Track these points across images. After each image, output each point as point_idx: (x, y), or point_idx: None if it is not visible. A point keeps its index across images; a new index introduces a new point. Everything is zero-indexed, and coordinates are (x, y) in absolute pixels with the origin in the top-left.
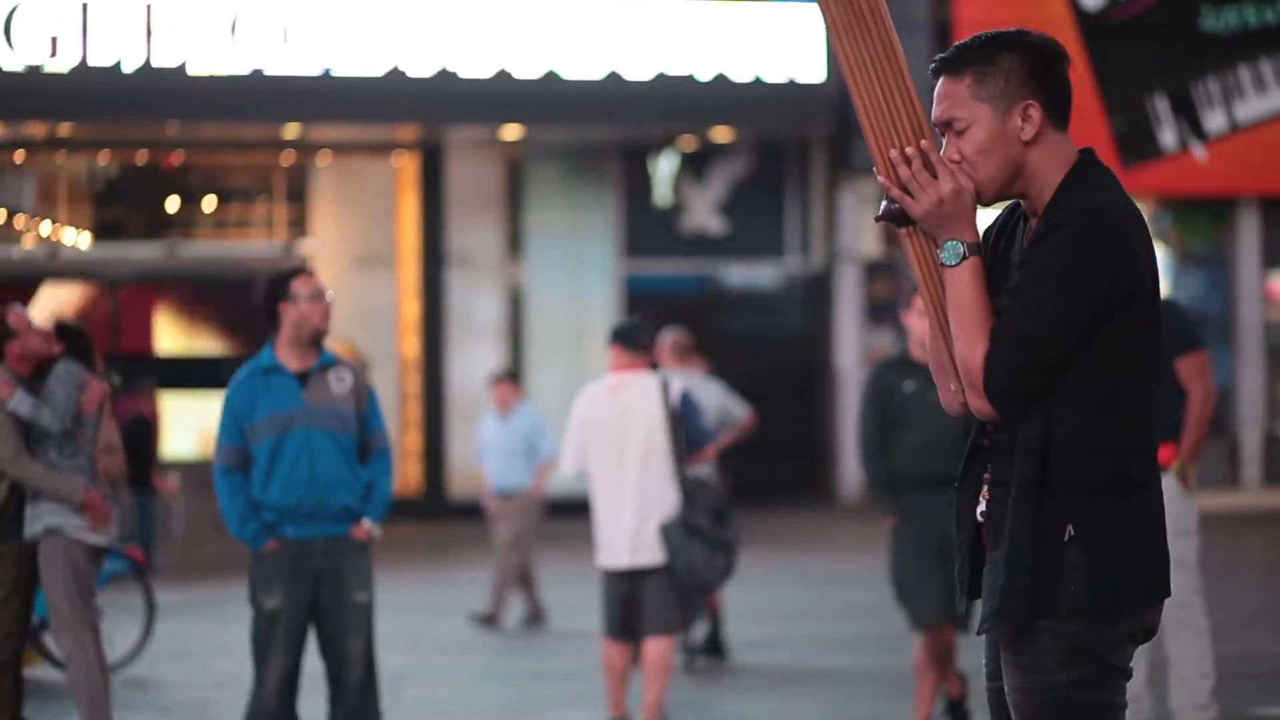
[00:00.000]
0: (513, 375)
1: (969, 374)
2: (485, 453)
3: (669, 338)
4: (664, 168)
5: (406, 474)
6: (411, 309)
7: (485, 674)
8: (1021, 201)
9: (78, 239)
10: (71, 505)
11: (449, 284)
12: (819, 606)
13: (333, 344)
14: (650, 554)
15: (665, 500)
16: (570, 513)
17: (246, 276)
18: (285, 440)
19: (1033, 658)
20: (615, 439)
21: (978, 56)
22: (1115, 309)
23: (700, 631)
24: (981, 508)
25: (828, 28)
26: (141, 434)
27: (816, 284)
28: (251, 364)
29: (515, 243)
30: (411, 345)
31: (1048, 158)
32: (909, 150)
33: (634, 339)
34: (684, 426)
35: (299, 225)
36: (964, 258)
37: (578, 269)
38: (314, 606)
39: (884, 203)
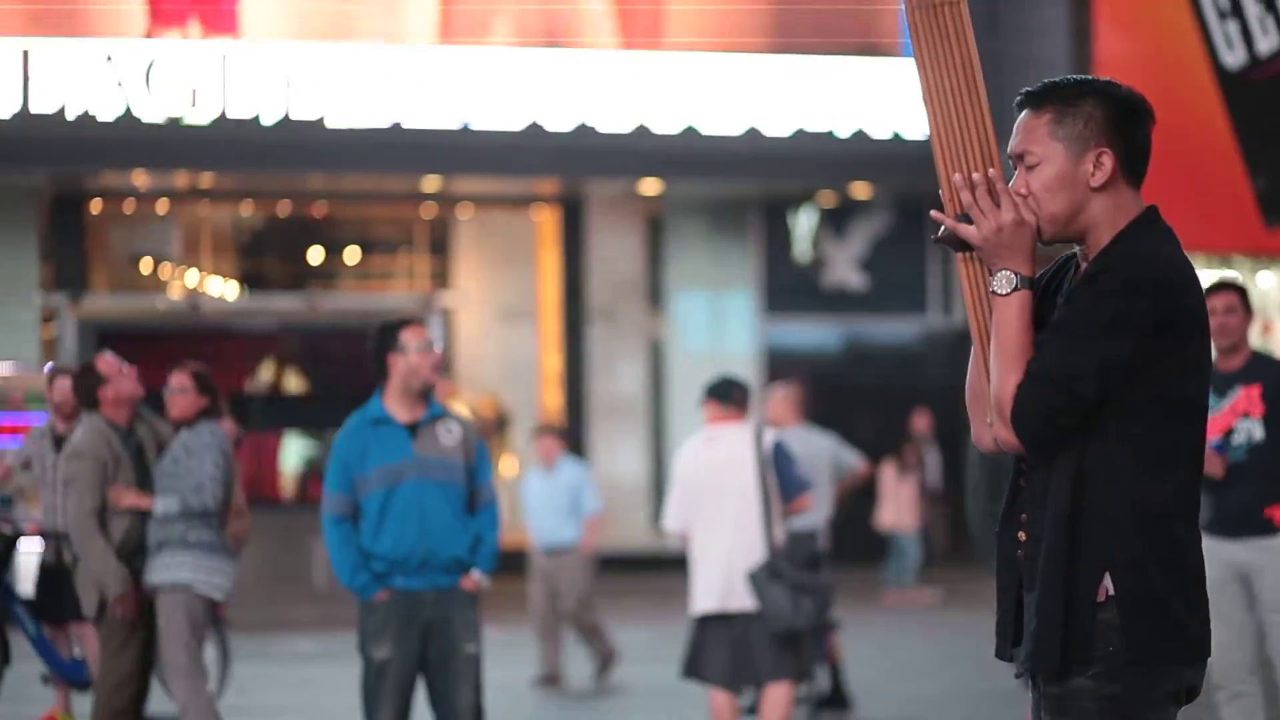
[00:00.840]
0: (556, 429)
1: (999, 404)
2: (530, 509)
3: (779, 393)
4: (804, 223)
5: None
6: (553, 362)
7: None
8: (1077, 249)
9: (223, 290)
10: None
11: (590, 337)
12: (952, 658)
13: (474, 396)
14: (741, 600)
15: (756, 547)
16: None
17: None
18: (396, 492)
19: (1074, 718)
20: (711, 488)
21: (1062, 96)
22: (1156, 360)
23: (822, 682)
24: (1020, 552)
25: (910, 35)
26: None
27: (959, 340)
28: (360, 414)
29: (655, 296)
30: (553, 398)
31: (1112, 208)
32: (975, 176)
33: (727, 394)
34: (777, 475)
35: (441, 277)
36: (1015, 288)
37: (718, 323)
38: (423, 657)
39: (944, 227)
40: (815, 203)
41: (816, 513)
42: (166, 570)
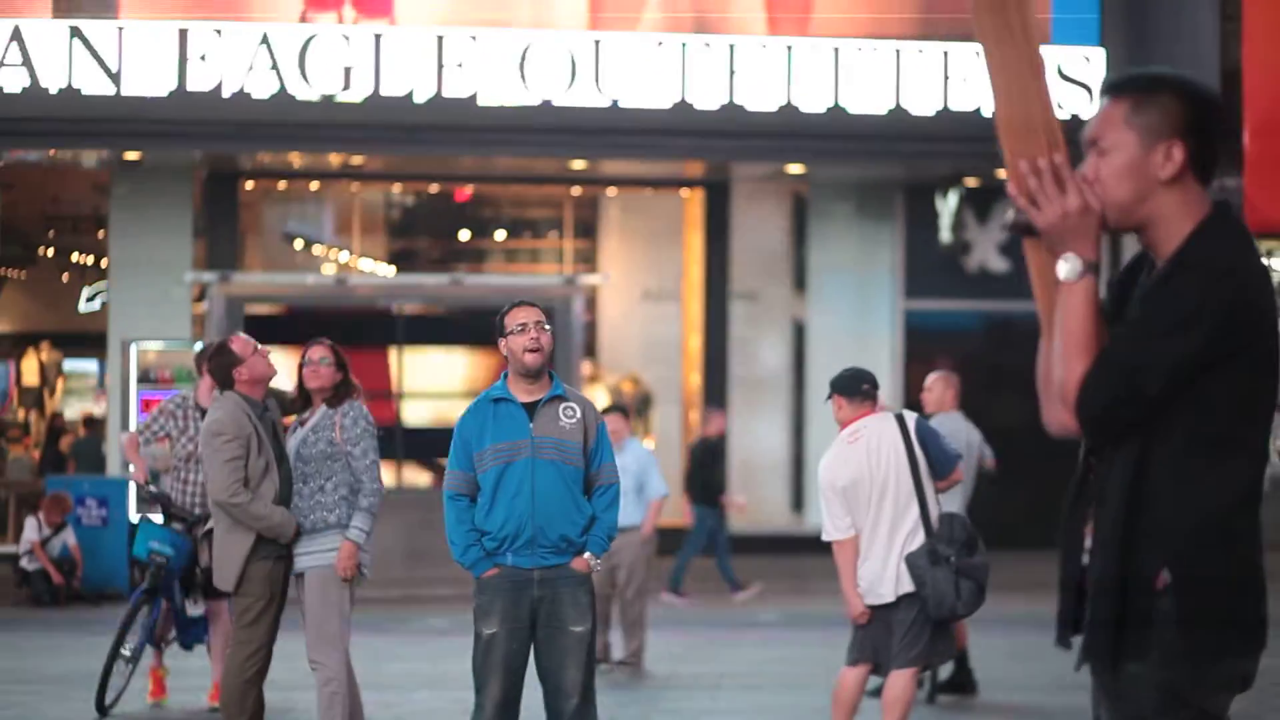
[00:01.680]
0: (622, 409)
1: (1064, 389)
2: None
3: (938, 378)
4: (948, 205)
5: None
6: (696, 343)
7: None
8: (1143, 243)
9: (374, 268)
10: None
11: (733, 318)
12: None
13: (617, 377)
14: (898, 585)
15: (915, 532)
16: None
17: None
18: (509, 470)
19: (1131, 705)
20: (867, 484)
21: (1140, 87)
22: (1228, 360)
23: (946, 667)
24: (1088, 543)
25: (977, 36)
26: None
27: None
28: (484, 394)
29: (799, 277)
30: (696, 379)
31: (1179, 203)
32: (1040, 162)
33: (852, 388)
34: (927, 453)
35: (587, 258)
36: (1080, 275)
37: (860, 304)
38: (533, 635)
39: (1012, 212)
40: (960, 185)
41: (958, 496)
42: (323, 549)
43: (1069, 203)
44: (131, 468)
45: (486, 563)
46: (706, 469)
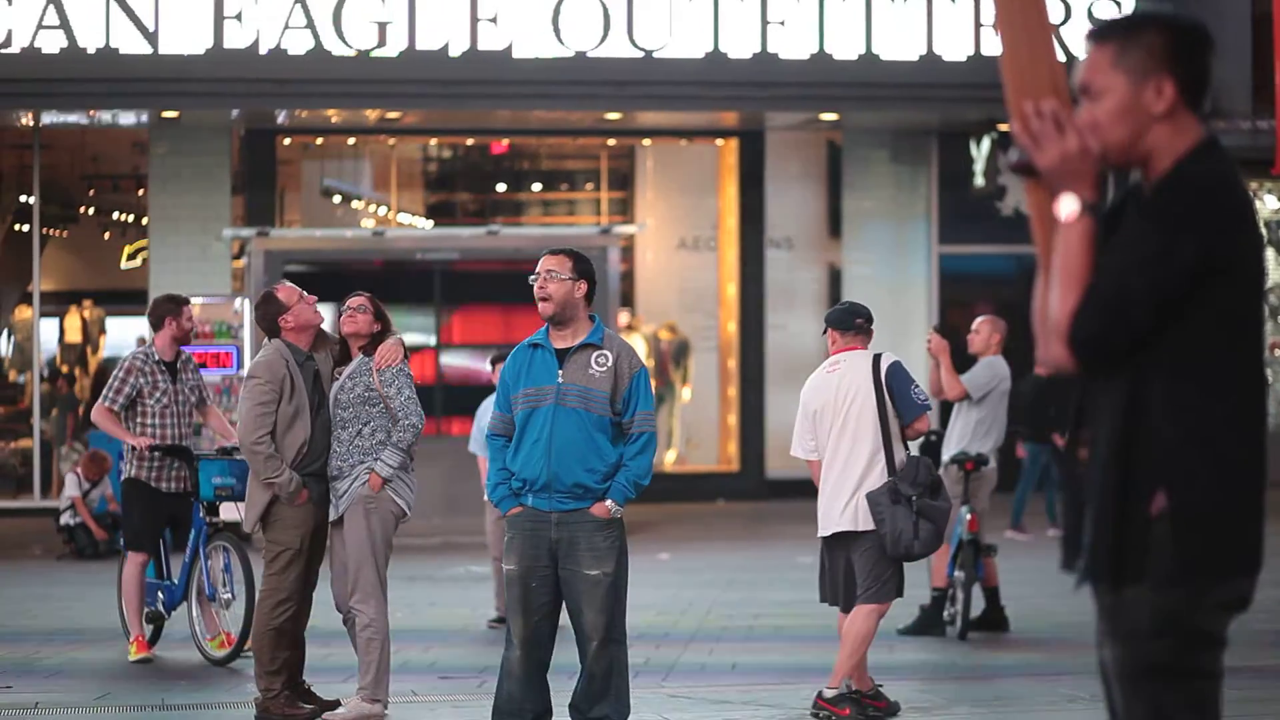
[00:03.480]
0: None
1: (1058, 325)
2: None
3: (982, 323)
4: (982, 151)
5: (727, 453)
6: (732, 290)
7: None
8: (1140, 175)
9: (411, 222)
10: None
11: (769, 265)
12: None
13: (654, 326)
14: (854, 521)
15: (873, 469)
16: None
17: None
18: (535, 414)
19: (1127, 626)
20: (833, 414)
21: (1124, 29)
22: (1214, 284)
23: (977, 604)
24: (1082, 470)
25: None
26: None
27: None
28: (526, 340)
29: (834, 224)
30: (732, 326)
31: (1173, 134)
32: (1043, 105)
33: (845, 321)
34: (894, 398)
35: (623, 209)
36: (1079, 214)
37: (896, 251)
38: (556, 577)
39: (1015, 152)
40: (993, 130)
41: (990, 438)
42: (354, 488)
43: (1068, 144)
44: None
45: (511, 501)
46: (1039, 406)
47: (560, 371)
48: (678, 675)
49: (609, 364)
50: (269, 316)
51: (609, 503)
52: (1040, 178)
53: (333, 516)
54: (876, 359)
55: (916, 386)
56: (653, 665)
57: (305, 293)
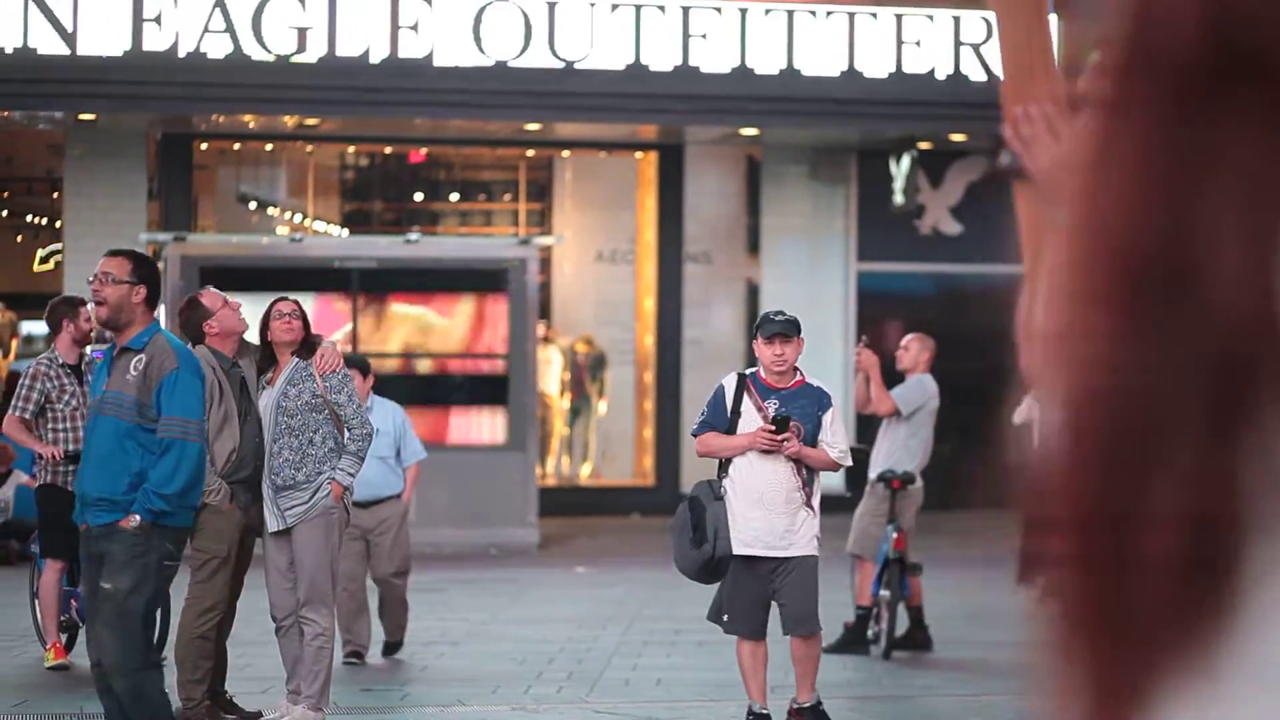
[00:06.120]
0: (361, 364)
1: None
2: None
3: (911, 342)
4: (901, 168)
5: (643, 467)
6: (650, 304)
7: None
8: None
9: (327, 230)
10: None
11: (687, 279)
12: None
13: (571, 339)
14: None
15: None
16: None
17: (487, 270)
18: (91, 426)
19: None
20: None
21: None
22: None
23: (902, 623)
24: None
25: None
26: None
27: None
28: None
29: (753, 239)
30: (649, 341)
31: None
32: (1036, 108)
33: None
34: None
35: (541, 220)
36: None
37: (814, 267)
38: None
39: (1006, 154)
40: (913, 148)
41: (917, 456)
42: (315, 502)
43: (1061, 149)
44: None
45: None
46: None
47: (108, 378)
48: (602, 691)
49: (141, 368)
50: (193, 322)
51: (135, 516)
52: (1031, 182)
53: (275, 527)
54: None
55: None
56: (576, 680)
57: (229, 298)
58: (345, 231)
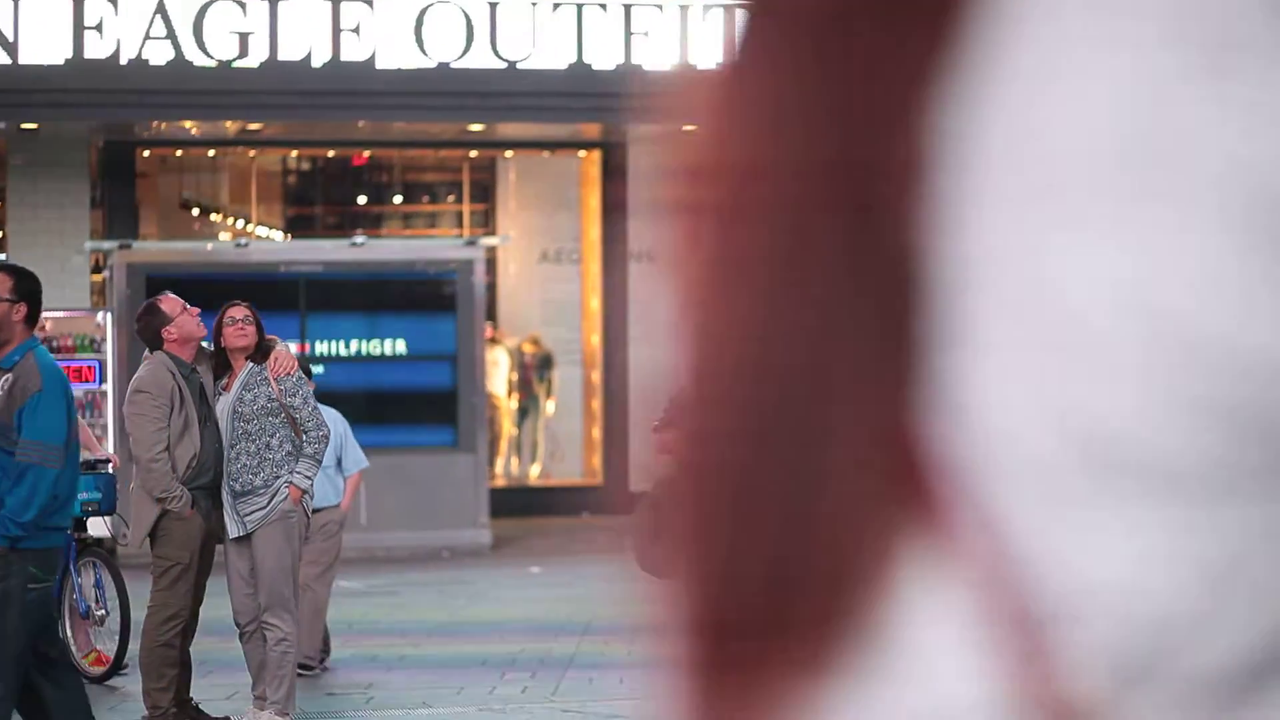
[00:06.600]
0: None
1: None
2: None
3: None
4: None
5: (591, 466)
6: (596, 303)
7: None
8: None
9: (271, 234)
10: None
11: (632, 278)
12: None
13: (517, 339)
14: None
15: None
16: None
17: (434, 272)
18: None
19: None
20: None
21: None
22: None
23: None
24: None
25: None
26: None
27: None
28: None
29: None
30: (596, 340)
31: None
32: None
33: None
34: None
35: (485, 221)
36: None
37: None
38: None
39: None
40: None
41: None
42: (274, 506)
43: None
44: None
45: None
46: None
47: None
48: (567, 690)
49: (7, 388)
50: (152, 328)
51: None
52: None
53: (236, 533)
54: None
55: None
56: (540, 679)
57: (188, 305)
58: (287, 236)
